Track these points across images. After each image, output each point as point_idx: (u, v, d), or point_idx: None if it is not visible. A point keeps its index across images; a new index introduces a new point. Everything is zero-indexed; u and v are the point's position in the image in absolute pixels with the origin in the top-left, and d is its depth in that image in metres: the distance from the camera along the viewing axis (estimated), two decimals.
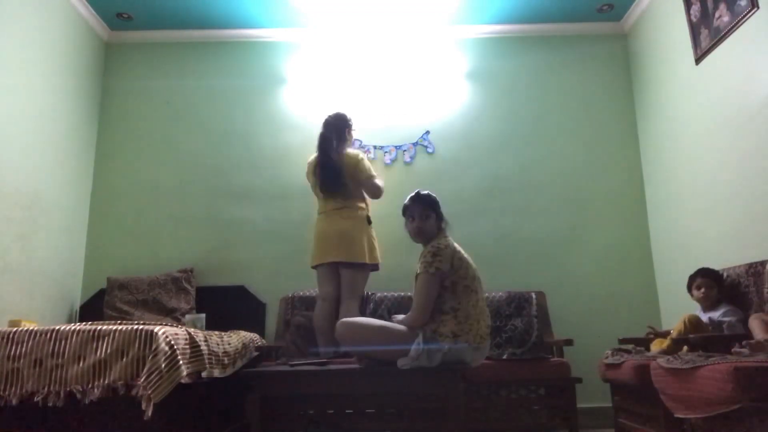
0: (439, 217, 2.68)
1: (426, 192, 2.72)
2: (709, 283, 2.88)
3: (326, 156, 3.40)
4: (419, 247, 2.71)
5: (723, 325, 2.72)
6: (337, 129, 3.46)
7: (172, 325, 2.57)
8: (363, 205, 3.47)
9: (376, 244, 3.46)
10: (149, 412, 2.07)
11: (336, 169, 3.35)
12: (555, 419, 3.20)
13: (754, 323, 2.48)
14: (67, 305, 3.83)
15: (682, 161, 3.64)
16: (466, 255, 2.59)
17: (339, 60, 4.33)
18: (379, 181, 3.49)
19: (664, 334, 2.99)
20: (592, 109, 4.26)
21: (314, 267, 3.43)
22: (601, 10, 4.18)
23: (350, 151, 3.48)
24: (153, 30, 4.33)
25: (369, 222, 3.45)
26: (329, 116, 3.53)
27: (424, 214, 2.64)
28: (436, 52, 4.33)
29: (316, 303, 3.43)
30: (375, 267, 3.46)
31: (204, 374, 2.53)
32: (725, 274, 2.95)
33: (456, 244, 2.60)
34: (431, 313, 2.50)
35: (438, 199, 2.72)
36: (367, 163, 3.47)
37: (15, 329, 2.34)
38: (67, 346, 2.24)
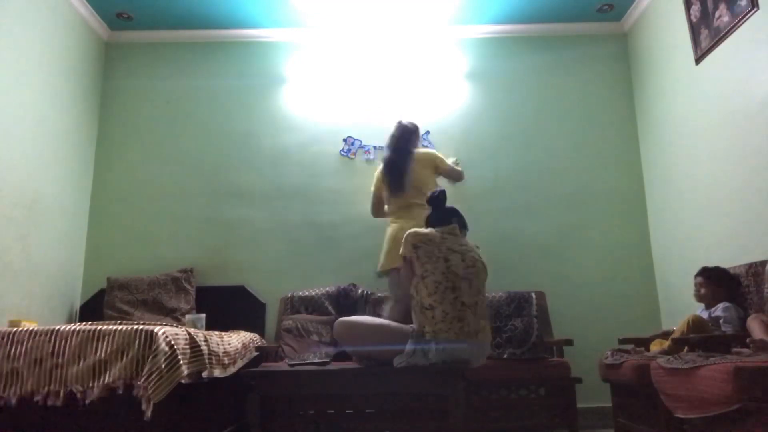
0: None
1: None
2: (700, 282, 2.91)
3: (399, 153, 3.43)
4: None
5: (719, 321, 2.72)
6: (410, 132, 3.50)
7: (172, 325, 2.57)
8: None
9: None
10: (149, 413, 2.07)
11: (405, 168, 3.37)
12: (555, 419, 3.20)
13: (754, 324, 2.47)
14: (67, 305, 3.83)
15: (682, 161, 3.64)
16: (451, 250, 2.56)
17: (339, 60, 4.33)
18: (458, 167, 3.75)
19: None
20: (592, 108, 4.26)
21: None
22: (601, 10, 4.18)
23: (420, 150, 3.54)
24: (153, 30, 4.33)
25: None
26: (406, 121, 3.56)
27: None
28: (436, 52, 4.33)
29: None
30: None
31: (204, 374, 2.52)
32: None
33: (443, 239, 2.59)
34: (417, 309, 2.52)
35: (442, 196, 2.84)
36: (441, 155, 3.63)
37: (15, 329, 2.33)
38: (67, 346, 2.24)
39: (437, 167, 3.55)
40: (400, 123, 3.53)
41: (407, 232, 2.61)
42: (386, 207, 3.58)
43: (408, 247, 2.55)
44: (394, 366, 2.47)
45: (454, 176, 3.72)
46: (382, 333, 2.55)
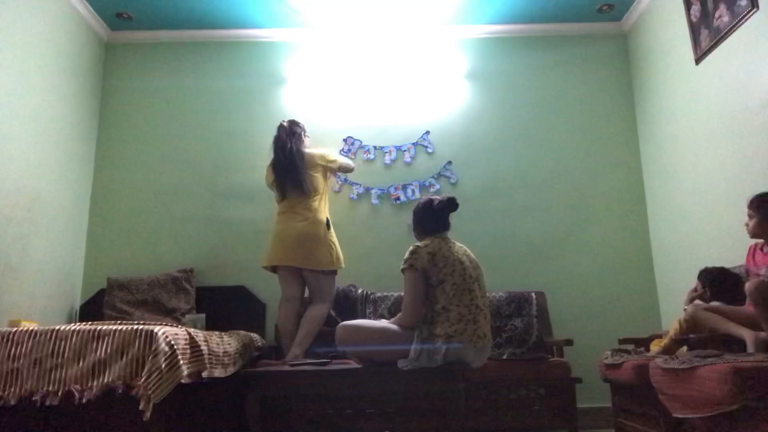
0: (416, 226, 2.75)
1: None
2: (697, 286, 2.92)
3: (282, 154, 3.46)
4: None
5: None
6: (290, 130, 3.54)
7: (172, 325, 2.57)
8: (322, 207, 3.46)
9: (337, 248, 3.45)
10: (148, 413, 2.07)
11: (295, 168, 3.41)
12: (555, 419, 3.20)
13: (700, 315, 2.54)
14: (67, 305, 3.83)
15: (682, 161, 3.64)
16: (459, 254, 2.58)
17: (339, 60, 4.33)
18: (345, 160, 3.85)
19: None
20: (592, 109, 4.26)
21: (272, 268, 3.47)
22: (601, 10, 4.18)
23: (312, 150, 3.57)
24: (153, 30, 4.33)
25: (329, 226, 3.44)
26: (283, 121, 3.62)
27: (411, 229, 2.84)
28: (436, 52, 4.33)
29: (280, 305, 3.45)
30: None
31: (204, 374, 2.53)
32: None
33: (448, 245, 2.60)
34: (425, 312, 2.51)
35: (418, 207, 2.78)
36: (332, 153, 3.70)
37: (15, 329, 2.33)
38: (67, 346, 2.24)
39: (326, 168, 3.58)
40: (281, 125, 3.58)
41: (416, 246, 2.57)
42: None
43: (423, 258, 2.51)
44: (397, 367, 2.47)
45: (346, 169, 3.82)
46: (385, 335, 2.55)
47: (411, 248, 2.58)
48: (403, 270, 2.56)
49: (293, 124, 3.59)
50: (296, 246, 3.34)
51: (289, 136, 3.50)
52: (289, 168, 3.44)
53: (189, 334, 2.47)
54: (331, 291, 3.44)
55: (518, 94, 4.29)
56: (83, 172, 4.07)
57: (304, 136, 3.61)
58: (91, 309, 3.81)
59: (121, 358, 2.19)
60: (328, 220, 3.45)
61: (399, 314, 2.61)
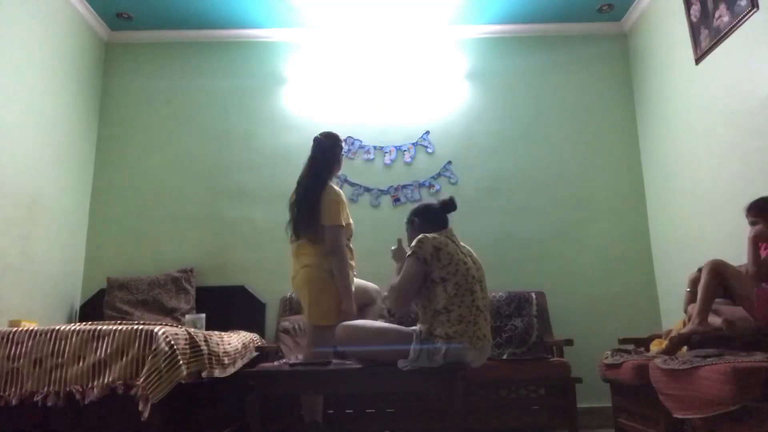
0: (418, 224, 2.71)
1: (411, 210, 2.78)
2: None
3: (306, 189, 2.85)
4: None
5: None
6: (327, 153, 2.86)
7: (172, 325, 2.57)
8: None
9: (330, 301, 2.72)
10: (146, 413, 2.07)
11: (313, 206, 2.79)
12: (555, 419, 3.21)
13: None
14: (67, 305, 3.83)
15: (682, 161, 3.65)
16: (463, 254, 2.58)
17: (339, 60, 4.33)
18: (341, 239, 2.74)
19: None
20: (592, 109, 4.26)
21: None
22: (601, 10, 4.18)
23: (333, 186, 2.82)
24: (153, 30, 4.33)
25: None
26: (321, 135, 2.91)
27: (407, 231, 2.79)
28: (436, 52, 4.33)
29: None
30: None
31: (204, 374, 2.53)
32: None
33: (453, 242, 2.60)
34: (428, 314, 2.51)
35: (420, 207, 2.74)
36: (338, 207, 2.76)
37: (15, 329, 2.34)
38: (67, 346, 2.24)
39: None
40: (316, 139, 2.90)
41: (424, 235, 2.53)
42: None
43: (428, 249, 2.48)
44: (397, 367, 2.47)
45: (329, 243, 2.79)
46: (385, 336, 2.55)
47: (419, 237, 2.57)
48: (407, 257, 2.56)
49: (333, 140, 2.84)
50: None
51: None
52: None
53: (189, 334, 2.47)
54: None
55: (518, 94, 4.29)
56: (83, 172, 4.07)
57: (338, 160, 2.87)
58: (91, 309, 3.81)
59: (121, 359, 2.19)
60: None
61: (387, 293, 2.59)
